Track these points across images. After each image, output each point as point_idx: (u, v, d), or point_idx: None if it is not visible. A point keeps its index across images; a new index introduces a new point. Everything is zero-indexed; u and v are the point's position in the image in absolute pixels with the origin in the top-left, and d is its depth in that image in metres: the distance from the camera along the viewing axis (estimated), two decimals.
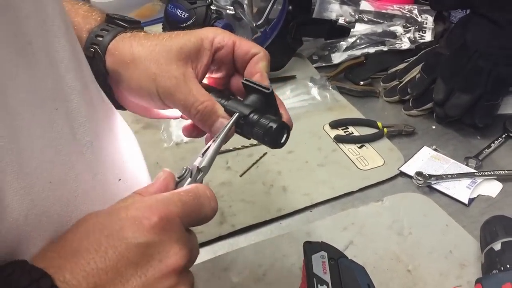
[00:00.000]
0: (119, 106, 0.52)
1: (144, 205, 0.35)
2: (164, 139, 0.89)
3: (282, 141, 0.48)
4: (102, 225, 0.33)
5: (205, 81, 0.52)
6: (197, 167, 0.42)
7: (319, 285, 0.53)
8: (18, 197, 0.31)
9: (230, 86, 0.53)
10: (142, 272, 0.33)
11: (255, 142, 0.88)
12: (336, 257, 0.56)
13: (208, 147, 0.44)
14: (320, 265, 0.55)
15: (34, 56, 0.33)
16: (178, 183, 0.41)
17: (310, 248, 0.57)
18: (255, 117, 0.46)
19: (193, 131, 0.52)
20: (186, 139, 0.88)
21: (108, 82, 0.49)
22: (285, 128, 0.47)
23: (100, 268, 0.32)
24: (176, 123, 0.92)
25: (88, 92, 0.39)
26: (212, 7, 0.91)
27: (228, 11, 0.95)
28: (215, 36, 0.49)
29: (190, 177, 0.41)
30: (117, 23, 0.50)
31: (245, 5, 0.98)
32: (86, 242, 0.32)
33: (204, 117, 0.47)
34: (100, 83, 0.46)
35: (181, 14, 0.90)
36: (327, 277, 0.53)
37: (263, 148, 0.86)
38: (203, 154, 0.43)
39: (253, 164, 0.83)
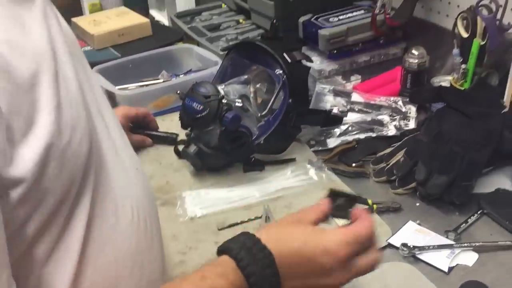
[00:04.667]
0: None
1: (334, 241, 0.58)
2: (180, 214, 0.99)
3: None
4: (302, 252, 0.58)
5: None
6: None
7: None
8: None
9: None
10: (317, 278, 0.58)
11: (252, 217, 0.97)
12: None
13: None
14: None
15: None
16: None
17: None
18: None
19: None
20: (199, 214, 0.99)
21: None
22: None
23: (303, 273, 0.58)
24: (190, 201, 1.03)
25: None
26: (223, 101, 1.04)
27: (236, 104, 1.07)
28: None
29: None
30: None
31: (251, 98, 1.13)
32: (292, 258, 0.57)
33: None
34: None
35: (196, 107, 1.02)
36: None
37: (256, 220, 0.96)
38: None
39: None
